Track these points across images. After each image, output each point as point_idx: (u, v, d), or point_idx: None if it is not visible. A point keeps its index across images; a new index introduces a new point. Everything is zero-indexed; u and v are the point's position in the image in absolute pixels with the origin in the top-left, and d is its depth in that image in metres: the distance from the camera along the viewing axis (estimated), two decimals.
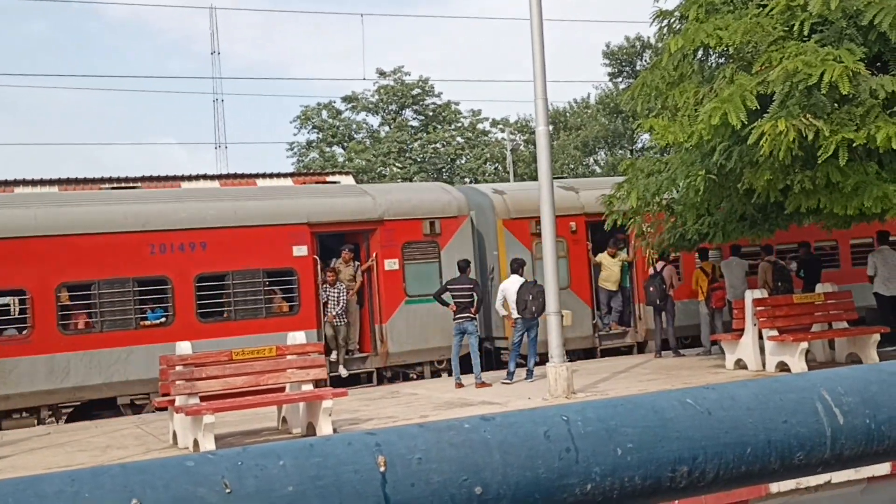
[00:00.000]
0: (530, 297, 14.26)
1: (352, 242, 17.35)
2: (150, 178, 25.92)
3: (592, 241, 18.64)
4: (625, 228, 17.38)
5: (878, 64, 12.68)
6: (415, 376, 17.24)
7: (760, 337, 14.30)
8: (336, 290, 16.47)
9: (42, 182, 24.87)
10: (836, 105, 11.96)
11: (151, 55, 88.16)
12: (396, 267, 17.00)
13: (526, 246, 17.75)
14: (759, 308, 14.17)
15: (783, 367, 13.85)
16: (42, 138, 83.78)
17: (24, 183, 24.70)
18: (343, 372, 16.38)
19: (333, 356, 16.30)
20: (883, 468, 8.95)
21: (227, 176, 27.87)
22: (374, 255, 16.94)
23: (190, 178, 26.50)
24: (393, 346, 16.91)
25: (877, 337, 14.31)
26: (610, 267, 18.42)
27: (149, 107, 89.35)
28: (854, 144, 11.48)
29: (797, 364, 13.59)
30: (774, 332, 14.04)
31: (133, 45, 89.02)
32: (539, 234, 16.78)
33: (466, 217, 17.70)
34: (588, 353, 18.25)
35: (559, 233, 17.03)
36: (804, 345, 13.75)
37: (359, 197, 17.37)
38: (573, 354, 17.07)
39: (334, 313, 16.40)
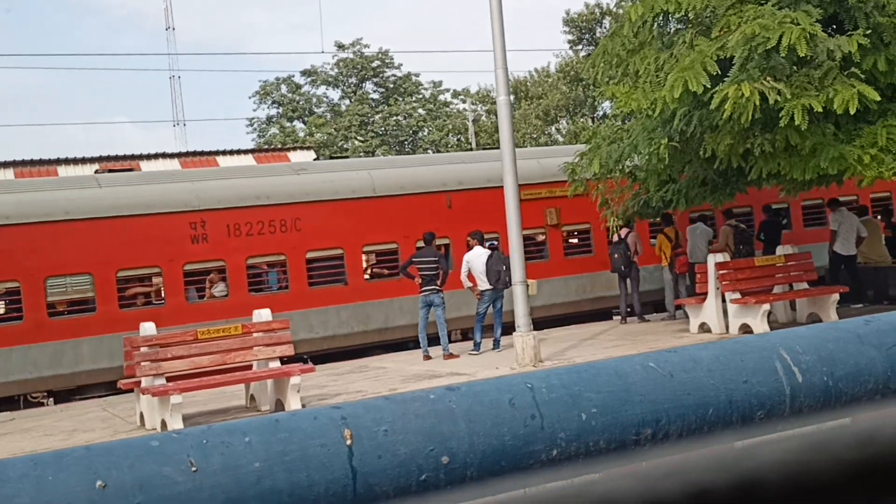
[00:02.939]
0: (504, 267, 14.28)
1: None
2: (107, 158, 25.54)
3: None
4: None
5: (834, 25, 12.81)
6: None
7: (724, 300, 14.49)
8: None
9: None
10: (794, 67, 12.08)
11: (101, 32, 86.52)
12: None
13: None
14: (721, 272, 14.34)
15: (746, 328, 14.05)
16: None
17: None
18: None
19: None
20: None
21: (187, 154, 27.55)
22: None
23: (149, 157, 26.16)
24: None
25: (836, 297, 14.57)
26: None
27: (100, 85, 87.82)
28: (814, 110, 11.61)
29: (759, 325, 13.80)
30: (737, 295, 14.23)
31: (82, 22, 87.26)
32: None
33: None
34: None
35: None
36: (766, 306, 13.96)
37: None
38: None
39: None
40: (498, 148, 13.96)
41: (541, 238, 18.55)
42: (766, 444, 0.88)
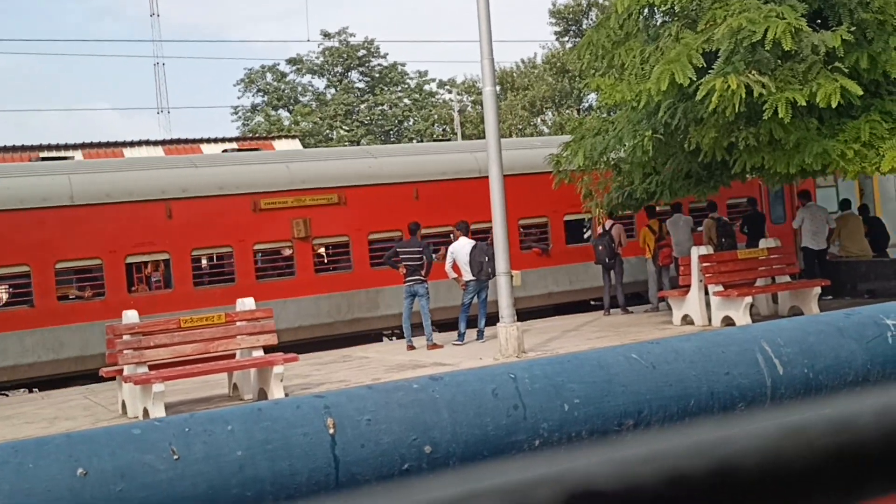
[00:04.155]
0: (486, 258, 14.29)
1: None
2: (90, 145, 25.36)
3: None
4: None
5: (819, 20, 12.87)
6: None
7: (706, 292, 14.56)
8: None
9: None
10: (779, 61, 12.14)
11: (82, 18, 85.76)
12: None
13: None
14: (704, 264, 14.40)
15: (728, 321, 14.13)
16: None
17: None
18: None
19: None
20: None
21: (171, 141, 27.40)
22: None
23: (132, 144, 26.00)
24: None
25: (818, 290, 14.67)
26: None
27: (81, 71, 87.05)
28: (797, 104, 11.68)
29: (742, 318, 13.87)
30: (720, 288, 14.30)
31: (62, 6, 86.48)
32: None
33: None
34: None
35: None
36: (748, 299, 14.03)
37: None
38: None
39: None
40: (483, 138, 13.93)
41: (287, 252, 16.76)
42: (743, 430, 0.89)
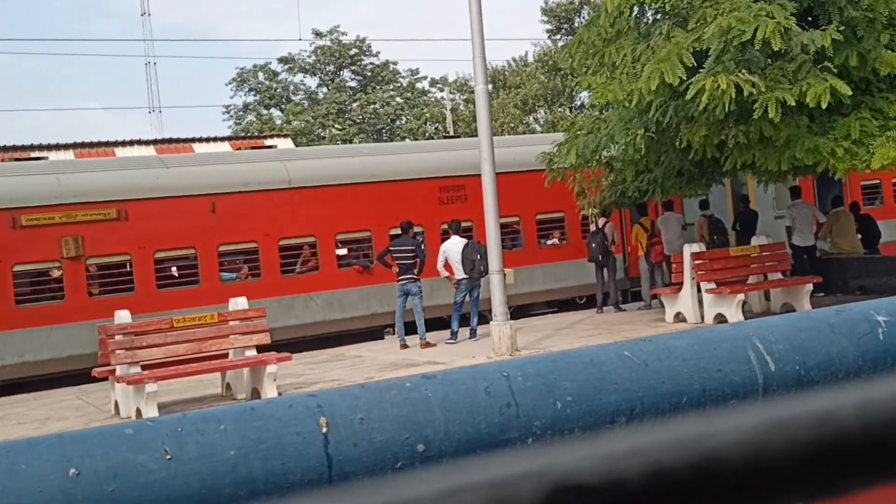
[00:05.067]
0: (479, 256, 14.30)
1: None
2: (83, 145, 25.29)
3: None
4: None
5: (809, 19, 12.90)
6: None
7: (699, 290, 14.59)
8: None
9: None
10: (769, 60, 12.17)
11: (71, 16, 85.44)
12: None
13: None
14: (697, 262, 14.43)
15: (721, 318, 14.14)
16: None
17: None
18: None
19: None
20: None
21: (163, 141, 27.34)
22: None
23: (124, 143, 25.93)
24: None
25: (810, 287, 14.71)
26: None
27: (70, 71, 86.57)
28: (787, 104, 11.72)
29: (734, 315, 13.90)
30: (712, 285, 14.33)
31: (51, 4, 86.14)
32: None
33: None
34: None
35: None
36: (741, 296, 14.07)
37: None
38: None
39: None
40: (476, 137, 13.93)
41: (56, 273, 15.16)
42: (728, 425, 0.89)
